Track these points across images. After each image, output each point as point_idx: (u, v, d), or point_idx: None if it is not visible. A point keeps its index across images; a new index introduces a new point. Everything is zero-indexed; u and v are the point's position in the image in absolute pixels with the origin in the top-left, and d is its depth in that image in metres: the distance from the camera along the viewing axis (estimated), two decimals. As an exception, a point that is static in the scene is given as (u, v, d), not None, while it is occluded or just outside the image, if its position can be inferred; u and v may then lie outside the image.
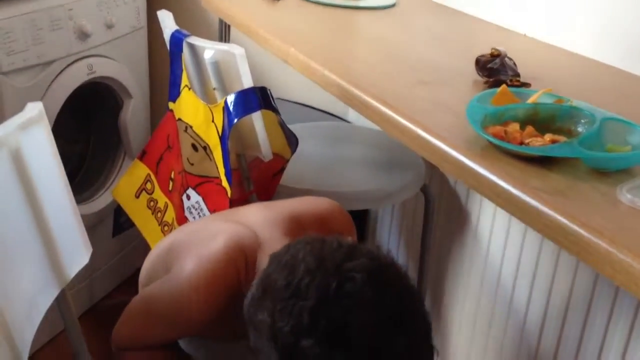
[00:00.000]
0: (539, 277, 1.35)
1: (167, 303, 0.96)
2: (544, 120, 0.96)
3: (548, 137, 0.92)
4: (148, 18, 2.03)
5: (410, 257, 1.77)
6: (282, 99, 1.93)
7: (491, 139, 0.90)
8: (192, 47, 1.37)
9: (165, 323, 0.97)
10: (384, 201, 1.50)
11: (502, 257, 1.46)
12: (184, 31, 1.39)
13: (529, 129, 0.94)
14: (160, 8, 2.12)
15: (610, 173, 0.86)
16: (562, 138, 0.91)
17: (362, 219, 1.93)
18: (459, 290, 1.61)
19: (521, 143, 0.91)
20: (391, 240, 1.84)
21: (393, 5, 1.69)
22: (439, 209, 1.64)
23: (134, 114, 2.03)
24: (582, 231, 0.74)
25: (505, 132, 0.92)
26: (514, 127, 0.94)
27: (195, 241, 1.01)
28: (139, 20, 2.03)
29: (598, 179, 0.84)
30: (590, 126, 0.92)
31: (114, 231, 2.07)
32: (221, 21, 1.71)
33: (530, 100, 1.01)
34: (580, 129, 0.94)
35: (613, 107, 0.99)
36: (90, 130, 2.08)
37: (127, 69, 1.98)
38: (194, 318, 0.93)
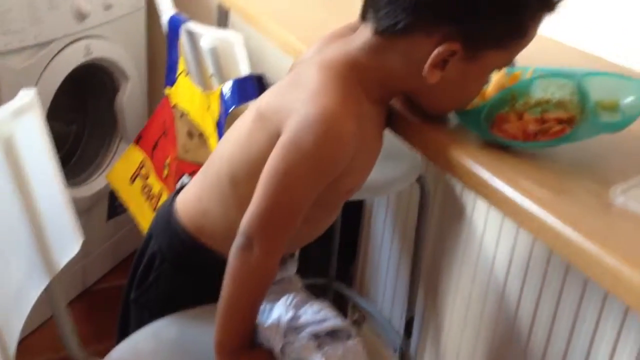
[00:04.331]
0: (530, 274, 1.35)
1: (312, 141, 0.81)
2: (523, 100, 0.91)
3: (552, 116, 0.88)
4: (147, -2, 2.02)
5: (405, 248, 1.77)
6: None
7: (508, 142, 0.86)
8: (189, 33, 1.36)
9: (320, 164, 0.83)
10: (378, 191, 1.50)
11: (494, 252, 1.46)
12: (182, 15, 1.38)
13: (527, 116, 0.90)
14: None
15: (604, 171, 0.85)
16: (563, 114, 0.87)
17: (357, 209, 1.92)
18: (451, 282, 1.62)
19: (535, 135, 0.87)
20: (386, 231, 1.84)
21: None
22: (434, 201, 1.63)
23: (130, 97, 2.02)
24: (573, 233, 0.74)
25: (518, 127, 0.88)
26: (530, 115, 0.89)
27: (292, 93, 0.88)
28: (138, 1, 2.01)
29: (591, 178, 0.84)
30: (572, 89, 0.88)
31: (109, 214, 2.07)
32: (220, 5, 1.70)
33: (489, 89, 0.96)
34: (559, 95, 0.90)
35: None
36: (86, 112, 2.07)
37: (125, 51, 1.97)
38: (347, 129, 0.83)
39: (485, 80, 0.90)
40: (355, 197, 1.01)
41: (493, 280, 1.47)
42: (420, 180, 1.55)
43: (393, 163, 1.48)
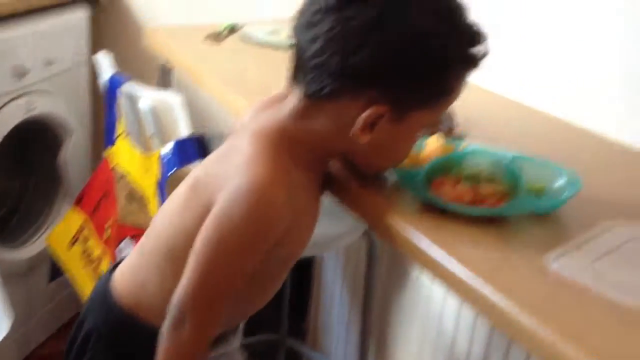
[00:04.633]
0: (478, 328, 1.35)
1: (243, 212, 0.81)
2: (456, 170, 0.93)
3: (485, 189, 0.90)
4: (91, 52, 1.99)
5: (355, 301, 1.76)
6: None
7: (448, 206, 0.87)
8: (128, 93, 1.34)
9: (251, 238, 0.83)
10: (326, 247, 1.49)
11: (442, 304, 1.45)
12: (121, 76, 1.36)
13: (461, 186, 0.92)
14: (102, 42, 2.10)
15: (538, 237, 0.85)
16: (497, 188, 0.89)
17: (307, 264, 1.91)
18: (402, 335, 1.60)
19: (471, 203, 0.88)
20: (336, 284, 1.82)
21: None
22: (382, 253, 1.62)
23: (75, 153, 1.98)
24: (508, 304, 0.73)
25: (455, 194, 0.88)
26: (463, 186, 0.90)
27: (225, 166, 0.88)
28: (81, 55, 1.99)
29: (526, 243, 0.84)
30: (503, 168, 0.91)
31: (51, 276, 2.00)
32: (163, 62, 1.68)
33: (425, 152, 0.98)
34: (493, 172, 0.92)
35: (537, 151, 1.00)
36: (30, 169, 2.01)
37: (68, 106, 1.94)
38: (280, 204, 0.82)
39: (415, 139, 0.90)
40: (304, 253, 1.00)
41: (442, 331, 1.46)
42: (367, 233, 1.54)
43: (339, 218, 1.47)
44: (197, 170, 0.93)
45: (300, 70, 0.86)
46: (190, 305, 0.81)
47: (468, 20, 0.84)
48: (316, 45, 0.81)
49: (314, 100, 0.85)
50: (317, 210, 0.94)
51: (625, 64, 1.18)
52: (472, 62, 0.85)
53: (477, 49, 0.84)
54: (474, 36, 0.84)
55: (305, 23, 0.84)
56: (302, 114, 0.87)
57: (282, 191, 0.82)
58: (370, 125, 0.83)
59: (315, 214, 0.93)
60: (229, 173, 0.84)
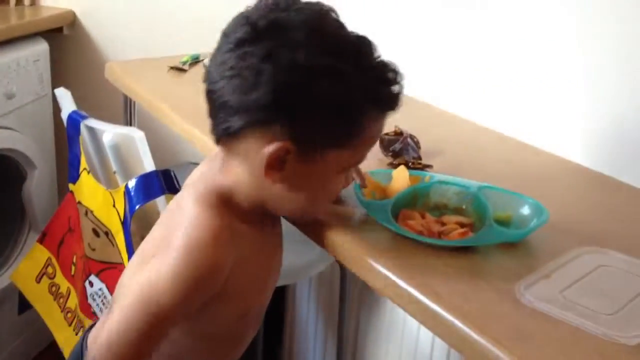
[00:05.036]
0: (454, 353, 1.34)
1: (178, 269, 0.80)
2: (423, 201, 0.94)
3: (452, 220, 0.91)
4: (52, 85, 1.96)
5: (329, 327, 1.74)
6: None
7: (417, 237, 0.86)
8: (90, 129, 1.32)
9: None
10: (297, 275, 1.48)
11: (418, 329, 1.44)
12: (82, 112, 1.34)
13: (428, 217, 0.92)
14: (63, 73, 2.07)
15: (508, 266, 0.85)
16: (464, 219, 0.90)
17: (280, 292, 1.89)
18: (378, 359, 1.59)
19: (439, 235, 0.88)
20: (310, 312, 1.80)
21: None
22: (355, 278, 1.61)
23: (39, 186, 1.94)
24: (479, 339, 0.72)
25: (423, 225, 0.88)
26: (430, 217, 0.91)
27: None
28: (43, 88, 1.96)
29: (495, 273, 0.83)
30: (469, 198, 0.92)
31: (20, 308, 1.95)
32: (125, 96, 1.66)
33: (393, 183, 0.98)
34: (459, 203, 0.93)
35: (513, 183, 1.00)
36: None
37: (31, 140, 1.91)
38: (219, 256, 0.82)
39: (337, 181, 0.87)
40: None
41: (418, 355, 1.45)
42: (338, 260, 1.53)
43: (310, 246, 1.46)
44: (153, 230, 0.92)
45: (211, 116, 0.84)
46: (105, 353, 0.80)
47: (377, 60, 0.81)
48: (220, 85, 0.80)
49: (226, 143, 0.83)
50: (269, 258, 0.92)
51: (591, 91, 1.19)
52: (382, 102, 0.82)
53: (387, 89, 0.82)
54: (382, 76, 0.81)
55: (211, 66, 0.83)
56: (224, 162, 0.86)
57: (220, 250, 0.81)
58: (279, 163, 0.80)
59: (266, 263, 0.91)
60: (171, 232, 0.83)
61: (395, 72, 0.82)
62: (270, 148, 0.79)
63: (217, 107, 0.81)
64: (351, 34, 0.82)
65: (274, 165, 0.80)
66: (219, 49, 0.82)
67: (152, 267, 0.81)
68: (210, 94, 0.82)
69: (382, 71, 0.81)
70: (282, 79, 0.77)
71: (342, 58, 0.78)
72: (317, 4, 0.83)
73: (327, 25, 0.81)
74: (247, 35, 0.78)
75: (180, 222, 0.83)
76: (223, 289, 0.83)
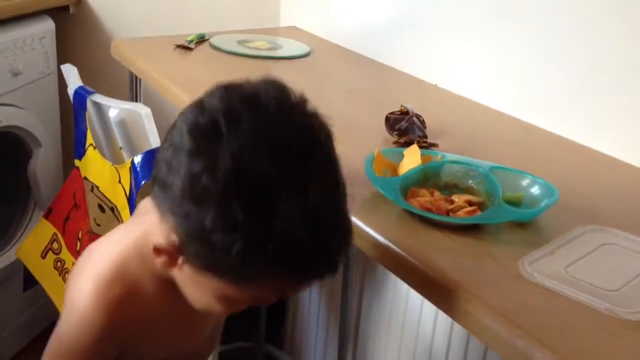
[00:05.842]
0: (456, 330, 1.35)
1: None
2: (433, 180, 0.94)
3: (461, 198, 0.91)
4: (58, 63, 1.96)
5: (332, 306, 1.75)
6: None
7: (424, 213, 0.86)
8: (96, 105, 1.32)
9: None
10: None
11: (420, 307, 1.45)
12: (88, 88, 1.34)
13: (437, 194, 0.93)
14: (71, 53, 2.07)
15: (513, 244, 0.85)
16: (473, 198, 0.91)
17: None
18: (381, 339, 1.60)
19: (447, 212, 0.88)
20: (313, 289, 1.81)
21: (308, 54, 1.68)
22: (358, 258, 1.62)
23: (44, 164, 1.94)
24: (482, 312, 0.73)
25: (431, 202, 0.89)
26: (440, 195, 0.92)
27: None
28: (48, 66, 1.95)
29: (501, 250, 0.84)
30: (480, 178, 0.92)
31: (25, 285, 1.97)
32: (131, 74, 1.67)
33: (403, 162, 0.97)
34: (469, 182, 0.94)
35: (516, 161, 1.00)
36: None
37: (36, 117, 1.91)
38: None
39: (223, 303, 0.75)
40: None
41: (420, 336, 1.46)
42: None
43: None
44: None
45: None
46: None
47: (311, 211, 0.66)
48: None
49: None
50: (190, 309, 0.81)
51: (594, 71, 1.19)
52: (290, 269, 0.69)
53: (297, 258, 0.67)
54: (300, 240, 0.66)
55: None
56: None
57: (100, 346, 0.79)
58: (169, 258, 0.72)
59: (187, 315, 0.84)
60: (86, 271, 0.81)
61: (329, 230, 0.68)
62: (159, 237, 0.71)
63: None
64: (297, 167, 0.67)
65: (164, 253, 0.72)
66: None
67: (61, 320, 0.81)
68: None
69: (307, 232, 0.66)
70: (174, 195, 0.67)
71: (254, 210, 0.64)
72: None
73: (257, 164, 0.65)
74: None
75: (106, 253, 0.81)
76: (130, 348, 0.82)
